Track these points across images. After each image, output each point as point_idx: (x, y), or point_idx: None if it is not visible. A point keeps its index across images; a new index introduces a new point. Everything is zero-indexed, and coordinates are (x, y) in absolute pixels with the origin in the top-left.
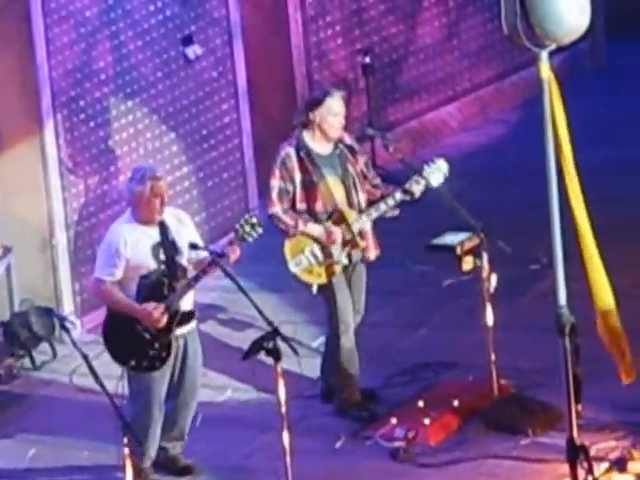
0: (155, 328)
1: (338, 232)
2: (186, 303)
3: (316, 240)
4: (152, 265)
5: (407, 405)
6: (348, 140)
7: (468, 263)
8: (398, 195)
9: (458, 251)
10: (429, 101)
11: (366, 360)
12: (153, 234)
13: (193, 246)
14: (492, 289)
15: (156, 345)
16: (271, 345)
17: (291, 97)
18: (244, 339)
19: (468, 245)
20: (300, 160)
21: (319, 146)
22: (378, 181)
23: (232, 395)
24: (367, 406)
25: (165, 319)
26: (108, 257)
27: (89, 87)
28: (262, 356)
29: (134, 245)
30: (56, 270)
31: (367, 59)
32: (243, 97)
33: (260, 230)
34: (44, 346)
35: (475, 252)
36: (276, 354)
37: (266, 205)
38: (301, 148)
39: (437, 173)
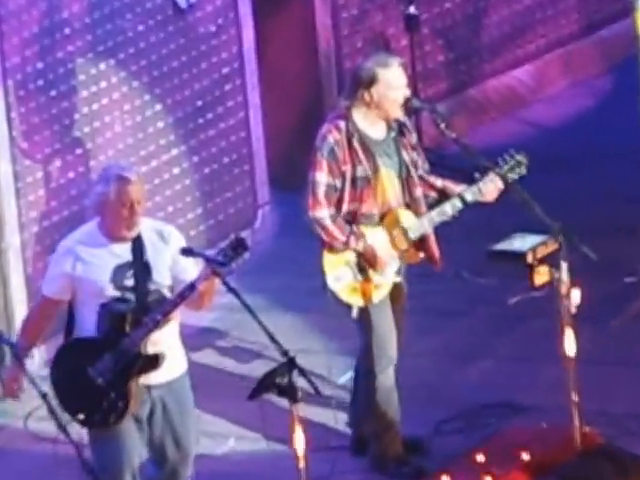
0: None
1: (390, 263)
2: (160, 344)
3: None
4: (111, 291)
5: (462, 459)
6: (401, 116)
7: (542, 275)
8: (469, 196)
9: (529, 259)
10: (492, 63)
11: (410, 400)
12: (121, 252)
13: (185, 251)
14: (573, 309)
15: (112, 394)
16: (286, 381)
17: (312, 58)
18: (250, 373)
19: (542, 251)
20: (351, 149)
21: (373, 129)
22: (427, 167)
23: (235, 446)
24: (411, 460)
25: (16, 392)
26: (51, 270)
27: (50, 44)
28: (274, 395)
29: (89, 263)
30: (6, 282)
31: (412, 9)
32: (250, 58)
33: (246, 256)
34: None
35: (551, 260)
36: (292, 393)
37: (308, 206)
38: (353, 133)
39: (516, 170)
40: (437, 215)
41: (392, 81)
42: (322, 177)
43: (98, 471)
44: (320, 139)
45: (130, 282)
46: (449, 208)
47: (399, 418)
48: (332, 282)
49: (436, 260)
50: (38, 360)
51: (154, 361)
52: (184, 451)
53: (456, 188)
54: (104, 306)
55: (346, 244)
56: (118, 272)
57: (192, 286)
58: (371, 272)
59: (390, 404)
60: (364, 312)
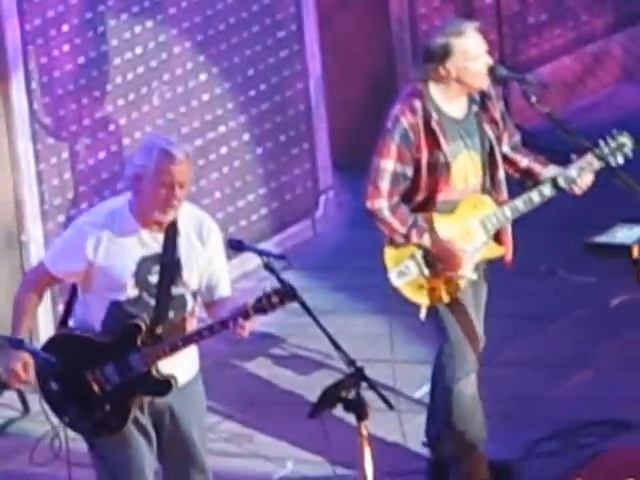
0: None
1: (467, 255)
2: (178, 362)
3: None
4: (131, 288)
5: None
6: (486, 85)
7: None
8: (562, 180)
9: (635, 253)
10: (592, 24)
11: (497, 418)
12: (150, 241)
13: (234, 244)
14: None
15: (107, 407)
16: (352, 395)
17: (382, 19)
18: (311, 385)
19: None
20: (429, 133)
21: (454, 106)
22: (518, 140)
23: (294, 469)
24: None
25: (29, 375)
26: (65, 247)
27: (77, 3)
28: (339, 411)
29: (114, 252)
30: None
31: None
32: (309, 20)
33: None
34: (9, 396)
35: None
36: (360, 408)
37: (366, 194)
38: (430, 114)
39: (617, 154)
40: (523, 204)
41: (470, 50)
42: (389, 165)
43: None
44: (392, 121)
45: (154, 279)
46: (536, 195)
47: (484, 436)
48: (394, 278)
49: (508, 259)
50: None
51: (164, 386)
52: (197, 464)
53: (543, 171)
54: (117, 306)
55: (407, 237)
56: (143, 265)
57: (245, 313)
58: (441, 267)
59: (473, 418)
60: (436, 313)
